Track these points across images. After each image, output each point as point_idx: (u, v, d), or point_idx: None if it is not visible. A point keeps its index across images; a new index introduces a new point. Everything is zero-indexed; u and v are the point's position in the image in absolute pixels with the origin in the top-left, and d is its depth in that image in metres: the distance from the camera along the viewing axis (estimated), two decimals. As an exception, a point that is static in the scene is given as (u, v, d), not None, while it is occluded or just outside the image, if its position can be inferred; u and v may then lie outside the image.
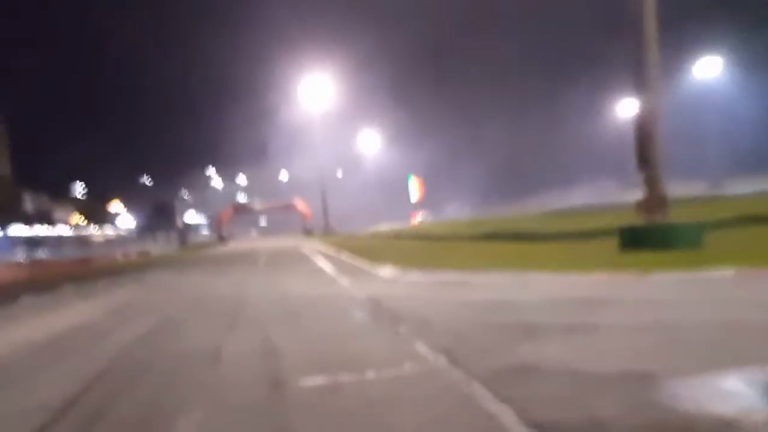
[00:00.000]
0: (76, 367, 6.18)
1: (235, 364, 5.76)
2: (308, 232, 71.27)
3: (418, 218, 76.04)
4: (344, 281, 12.83)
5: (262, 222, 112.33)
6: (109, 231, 76.93)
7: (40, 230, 50.62)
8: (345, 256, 21.36)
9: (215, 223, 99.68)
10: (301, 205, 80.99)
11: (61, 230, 55.49)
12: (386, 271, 13.56)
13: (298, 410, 4.14)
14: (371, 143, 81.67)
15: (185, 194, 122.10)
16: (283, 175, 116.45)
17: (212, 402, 4.48)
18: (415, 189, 79.45)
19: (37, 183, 77.34)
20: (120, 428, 4.05)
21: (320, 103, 65.61)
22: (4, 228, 42.65)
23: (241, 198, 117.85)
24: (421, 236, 32.32)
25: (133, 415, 4.30)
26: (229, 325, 8.20)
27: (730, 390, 3.71)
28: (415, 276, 12.30)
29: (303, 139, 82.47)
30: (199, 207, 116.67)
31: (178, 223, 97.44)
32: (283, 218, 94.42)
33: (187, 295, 13.15)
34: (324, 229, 67.00)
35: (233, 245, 60.49)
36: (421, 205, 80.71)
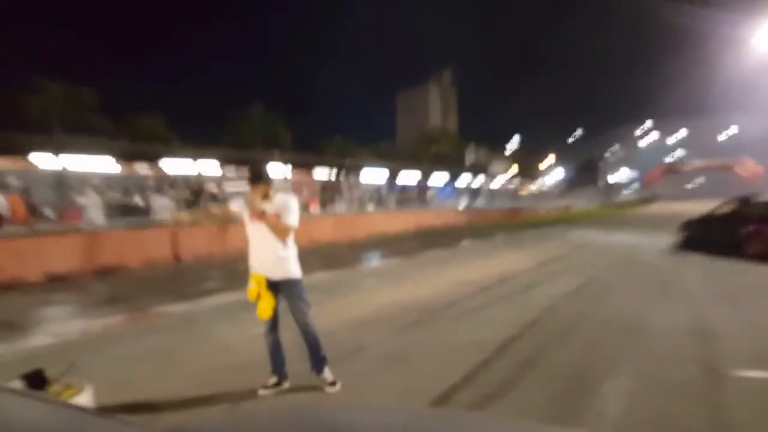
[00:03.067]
0: (510, 313, 6.91)
1: (663, 338, 5.50)
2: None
3: None
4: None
5: (696, 183, 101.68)
6: (533, 186, 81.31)
7: (478, 181, 57.06)
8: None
9: (643, 183, 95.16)
10: (743, 166, 69.82)
11: (495, 182, 61.38)
12: None
13: (735, 401, 3.78)
14: None
15: (614, 151, 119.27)
16: (726, 132, 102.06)
17: (638, 373, 4.42)
18: None
19: (480, 137, 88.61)
20: (552, 378, 4.37)
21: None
22: (453, 178, 49.67)
23: (678, 154, 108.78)
24: None
25: (562, 370, 4.58)
26: (658, 295, 7.85)
27: None
28: None
29: (755, 91, 70.35)
30: (628, 163, 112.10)
31: (601, 181, 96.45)
32: (720, 181, 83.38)
33: (610, 257, 13.05)
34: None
35: (657, 207, 57.01)
36: None
